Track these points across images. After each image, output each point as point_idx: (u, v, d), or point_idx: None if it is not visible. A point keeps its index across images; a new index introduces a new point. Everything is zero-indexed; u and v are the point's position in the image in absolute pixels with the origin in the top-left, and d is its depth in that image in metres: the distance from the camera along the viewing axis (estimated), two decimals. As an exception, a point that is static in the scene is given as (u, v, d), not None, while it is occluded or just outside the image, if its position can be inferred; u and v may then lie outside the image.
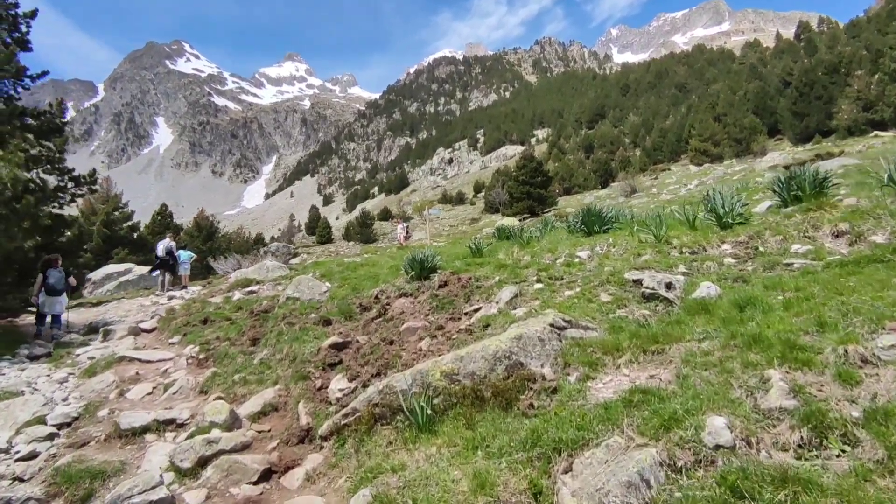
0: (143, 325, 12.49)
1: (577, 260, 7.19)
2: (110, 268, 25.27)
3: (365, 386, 5.25)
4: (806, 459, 2.56)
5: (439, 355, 5.27)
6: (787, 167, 23.60)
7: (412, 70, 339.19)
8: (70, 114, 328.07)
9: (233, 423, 5.49)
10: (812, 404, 2.84)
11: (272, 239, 78.48)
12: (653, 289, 5.46)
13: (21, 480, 5.17)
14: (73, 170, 18.15)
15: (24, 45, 16.44)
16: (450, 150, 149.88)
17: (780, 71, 77.48)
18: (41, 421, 6.64)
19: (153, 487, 4.06)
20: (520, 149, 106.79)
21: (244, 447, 4.92)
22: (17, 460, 5.61)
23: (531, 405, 3.84)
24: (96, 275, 24.23)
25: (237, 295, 13.50)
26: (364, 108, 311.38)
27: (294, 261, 30.88)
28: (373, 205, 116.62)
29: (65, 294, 12.58)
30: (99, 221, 33.59)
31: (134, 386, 7.98)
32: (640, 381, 3.82)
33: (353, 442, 4.36)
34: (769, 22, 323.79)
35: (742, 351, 3.63)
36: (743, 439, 2.76)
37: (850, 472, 2.36)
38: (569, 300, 5.81)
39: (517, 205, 44.79)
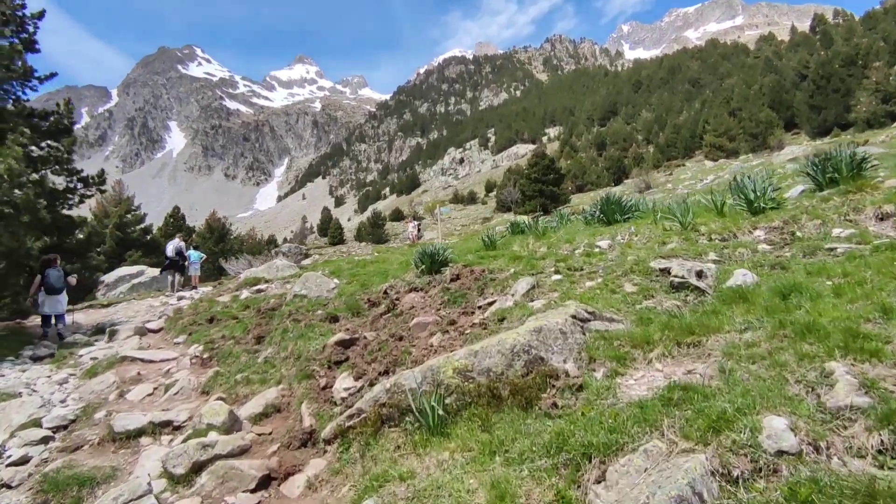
0: (149, 325, 12.29)
1: (597, 250, 6.75)
2: (123, 270, 25.36)
3: (372, 384, 4.88)
4: (890, 468, 2.13)
5: (451, 351, 4.88)
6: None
7: (422, 70, 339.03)
8: (84, 119, 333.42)
9: (232, 425, 5.15)
10: (890, 402, 2.41)
11: (284, 240, 78.65)
12: (682, 277, 5.02)
13: (8, 487, 4.88)
14: (82, 171, 18.07)
15: (32, 45, 16.33)
16: (461, 149, 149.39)
17: (795, 64, 76.12)
18: (36, 424, 6.36)
19: (140, 497, 3.73)
20: (531, 147, 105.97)
21: (242, 451, 4.57)
22: (7, 465, 5.32)
23: (554, 404, 3.43)
24: (109, 277, 24.34)
25: (245, 293, 13.24)
26: (375, 110, 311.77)
27: (306, 261, 30.63)
28: (384, 206, 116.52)
29: (64, 293, 12.40)
30: (112, 224, 33.77)
31: (135, 387, 7.69)
32: (677, 376, 3.40)
33: (359, 446, 3.99)
34: (783, 15, 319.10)
35: (794, 341, 3.19)
36: (810, 443, 2.34)
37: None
38: (590, 291, 5.38)
39: (529, 203, 44.28)
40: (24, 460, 5.40)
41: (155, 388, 7.54)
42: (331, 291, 10.16)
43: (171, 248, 19.35)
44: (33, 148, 16.70)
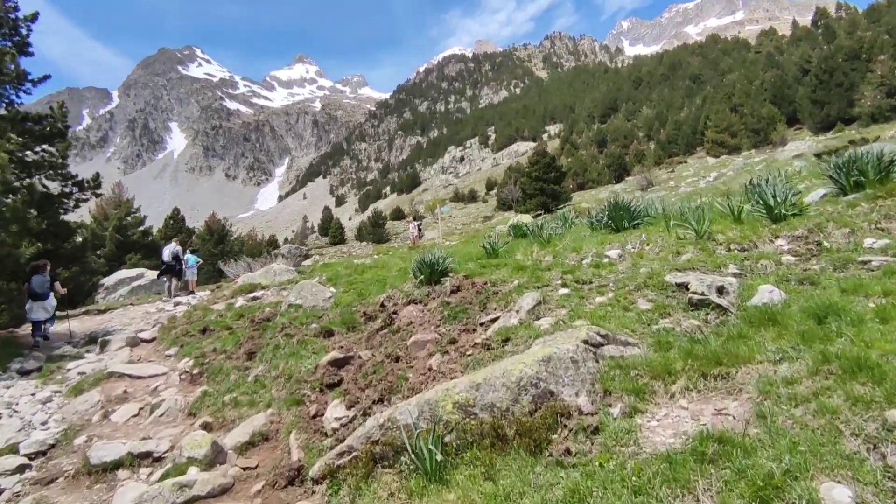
0: (142, 335, 11.94)
1: (606, 260, 6.33)
2: (123, 273, 25.20)
3: (365, 414, 4.49)
4: None
5: (451, 377, 4.49)
6: (817, 155, 22.46)
7: (422, 69, 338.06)
8: (86, 121, 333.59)
9: (215, 457, 4.76)
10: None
11: (285, 240, 78.39)
12: (702, 294, 4.61)
13: (-27, 528, 4.52)
14: (77, 175, 17.75)
15: (25, 48, 16.01)
16: (461, 148, 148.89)
17: (797, 59, 75.42)
18: (13, 450, 5.99)
19: (105, 551, 3.35)
20: (531, 145, 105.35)
21: (224, 490, 4.18)
22: (-24, 500, 4.95)
23: (567, 451, 3.03)
24: (109, 280, 24.22)
25: (240, 301, 12.85)
26: (375, 109, 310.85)
27: (306, 262, 30.34)
28: (385, 204, 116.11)
29: (51, 298, 12.09)
30: (111, 227, 33.53)
31: (120, 406, 7.32)
32: (706, 418, 3.00)
33: (349, 489, 3.59)
34: (784, 10, 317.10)
35: (843, 380, 2.78)
36: (883, 523, 1.94)
37: None
38: (601, 308, 4.98)
39: (530, 201, 43.82)
40: (-7, 495, 5.03)
41: (141, 409, 7.16)
42: (327, 301, 9.77)
43: (167, 253, 19.02)
44: (28, 153, 16.39)
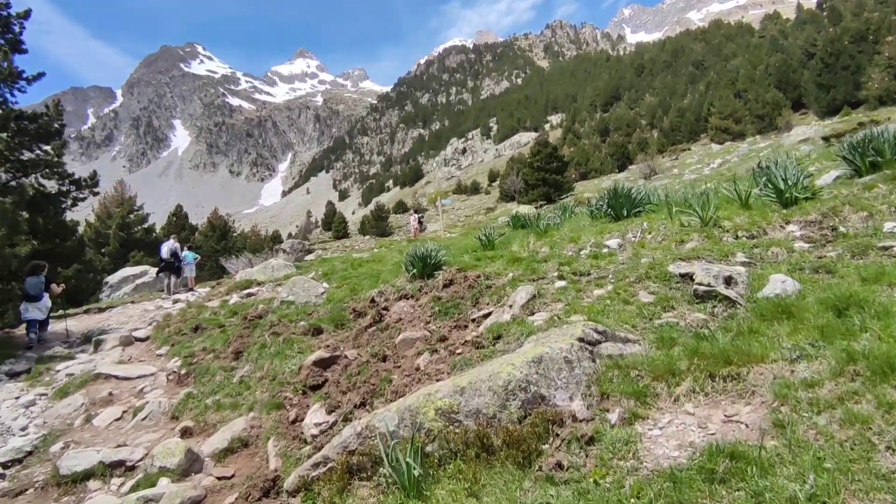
0: (136, 334, 11.72)
1: (605, 250, 5.96)
2: (126, 270, 25.22)
3: (346, 420, 4.18)
4: None
5: (438, 378, 4.16)
6: (825, 139, 21.90)
7: (423, 61, 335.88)
8: (91, 120, 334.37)
9: (189, 466, 4.46)
10: None
11: (289, 236, 78.28)
12: (708, 285, 4.26)
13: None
14: (74, 173, 17.53)
15: (17, 46, 15.73)
16: (463, 139, 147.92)
17: (802, 42, 74.21)
18: (-12, 458, 5.72)
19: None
20: (534, 135, 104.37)
21: (194, 504, 3.88)
22: (-58, 514, 4.69)
23: (559, 464, 2.69)
24: (113, 278, 24.30)
25: (234, 298, 12.58)
26: (376, 102, 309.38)
27: (309, 257, 30.06)
28: (388, 198, 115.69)
29: (46, 299, 11.93)
30: (115, 225, 33.51)
31: (104, 409, 7.06)
32: (714, 426, 2.66)
33: (324, 503, 3.29)
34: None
35: (872, 383, 2.43)
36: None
37: None
38: (599, 302, 4.63)
39: (533, 192, 43.33)
40: (-39, 507, 4.76)
41: (124, 412, 6.89)
42: (319, 297, 9.46)
43: (165, 250, 18.82)
44: (25, 152, 16.17)
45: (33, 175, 16.22)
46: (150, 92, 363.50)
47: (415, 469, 2.94)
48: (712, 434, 2.57)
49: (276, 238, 58.46)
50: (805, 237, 4.89)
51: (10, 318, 15.08)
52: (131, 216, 35.20)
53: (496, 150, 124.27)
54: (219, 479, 4.31)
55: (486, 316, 5.24)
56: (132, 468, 4.81)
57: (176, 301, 16.50)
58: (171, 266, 18.67)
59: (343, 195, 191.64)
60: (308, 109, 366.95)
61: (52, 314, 13.20)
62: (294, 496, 3.62)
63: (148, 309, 16.08)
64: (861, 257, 4.20)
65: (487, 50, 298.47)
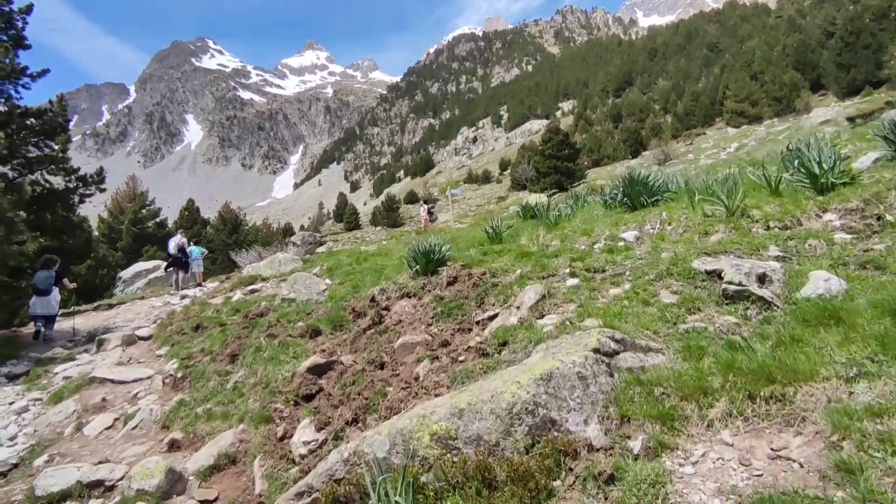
0: (139, 333, 11.50)
1: (621, 244, 5.47)
2: (139, 265, 25.46)
3: (337, 438, 3.79)
4: None
5: (436, 392, 3.75)
6: (850, 119, 21.02)
7: (432, 50, 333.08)
8: (105, 116, 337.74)
9: (170, 487, 4.11)
10: None
11: (301, 228, 78.35)
12: (739, 284, 3.78)
13: None
14: (79, 169, 17.42)
15: (21, 41, 15.53)
16: (473, 128, 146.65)
17: (821, 21, 72.04)
18: (-28, 472, 5.45)
19: None
20: (545, 123, 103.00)
21: (169, 535, 3.53)
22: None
23: (573, 509, 2.27)
24: (126, 273, 24.56)
25: (237, 295, 12.28)
26: (386, 92, 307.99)
27: (321, 249, 29.86)
28: (399, 188, 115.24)
29: (54, 294, 12.01)
30: (127, 220, 33.66)
31: (95, 417, 6.76)
32: (759, 462, 2.21)
33: (306, 541, 2.90)
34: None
35: (959, 415, 1.98)
36: None
37: None
38: (616, 303, 4.17)
39: (544, 180, 42.61)
40: (-66, 529, 4.47)
41: (116, 419, 6.59)
42: (321, 294, 9.09)
43: (172, 245, 18.71)
44: (31, 148, 16.05)
45: (39, 172, 16.09)
46: (163, 87, 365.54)
47: (405, 507, 2.53)
48: (758, 475, 2.12)
49: (287, 231, 58.45)
50: (846, 227, 4.38)
51: (23, 315, 15.02)
52: (143, 211, 35.36)
53: (507, 138, 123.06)
54: (200, 502, 3.95)
55: (492, 318, 4.81)
56: (111, 488, 4.46)
57: (184, 297, 16.32)
58: (179, 261, 18.57)
59: (354, 186, 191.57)
60: (318, 101, 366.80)
61: (62, 310, 13.17)
62: (276, 528, 3.24)
63: (155, 305, 15.91)
64: (915, 250, 3.70)
65: (497, 37, 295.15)
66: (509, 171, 72.08)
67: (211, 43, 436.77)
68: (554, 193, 38.34)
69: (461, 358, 4.25)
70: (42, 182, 15.91)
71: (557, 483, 2.47)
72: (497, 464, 2.66)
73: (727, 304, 3.79)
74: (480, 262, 6.29)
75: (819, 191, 5.06)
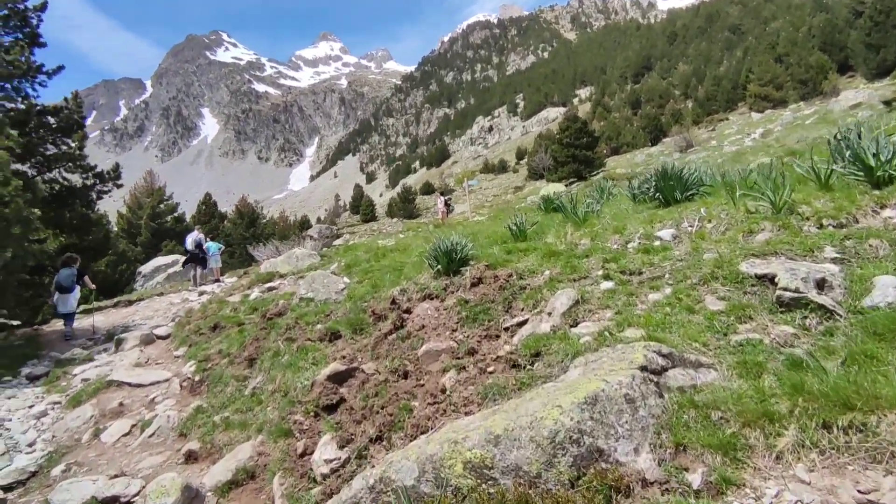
0: (157, 332, 11.49)
1: (657, 243, 5.13)
2: (159, 260, 25.77)
3: (360, 457, 3.57)
4: None
5: (466, 410, 3.50)
6: (886, 102, 20.17)
7: (446, 39, 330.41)
8: (123, 112, 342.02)
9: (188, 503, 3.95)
10: None
11: (318, 220, 78.64)
12: (796, 290, 3.45)
13: None
14: (96, 166, 17.51)
15: (36, 39, 15.56)
16: (489, 117, 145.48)
17: (849, 0, 69.69)
18: (-9, 480, 5.37)
19: None
20: (562, 111, 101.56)
21: (185, 560, 3.36)
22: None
23: (629, 560, 2.01)
24: (146, 268, 24.86)
25: (255, 293, 12.18)
26: (400, 83, 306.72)
27: (337, 242, 29.82)
28: (414, 179, 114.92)
29: (76, 291, 12.16)
30: (145, 215, 34.00)
31: (113, 422, 6.66)
32: (847, 509, 1.93)
33: (330, 576, 2.69)
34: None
35: None
36: None
37: None
38: (657, 310, 3.87)
39: (562, 169, 41.91)
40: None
41: (133, 426, 6.47)
42: (339, 293, 8.89)
43: (189, 241, 18.74)
44: (49, 146, 16.16)
45: (57, 169, 16.18)
46: (179, 81, 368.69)
47: (437, 552, 2.29)
48: (851, 530, 1.84)
49: (304, 223, 58.59)
50: (910, 225, 4.01)
51: (45, 312, 15.15)
52: (161, 206, 35.63)
53: (523, 126, 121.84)
54: (219, 522, 3.78)
55: (521, 324, 4.54)
56: (128, 504, 4.33)
57: (202, 293, 16.33)
58: (197, 257, 18.61)
59: (370, 178, 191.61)
60: (333, 93, 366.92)
61: (79, 308, 13.26)
62: (298, 557, 3.04)
63: (174, 302, 15.96)
64: None
65: (512, 24, 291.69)
66: (526, 160, 71.34)
67: (225, 36, 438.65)
68: (572, 183, 37.75)
69: (490, 368, 4.00)
70: (60, 179, 15.99)
71: (609, 525, 2.20)
72: (539, 497, 2.40)
73: (782, 313, 3.47)
74: (505, 261, 6.01)
75: (875, 184, 4.67)
